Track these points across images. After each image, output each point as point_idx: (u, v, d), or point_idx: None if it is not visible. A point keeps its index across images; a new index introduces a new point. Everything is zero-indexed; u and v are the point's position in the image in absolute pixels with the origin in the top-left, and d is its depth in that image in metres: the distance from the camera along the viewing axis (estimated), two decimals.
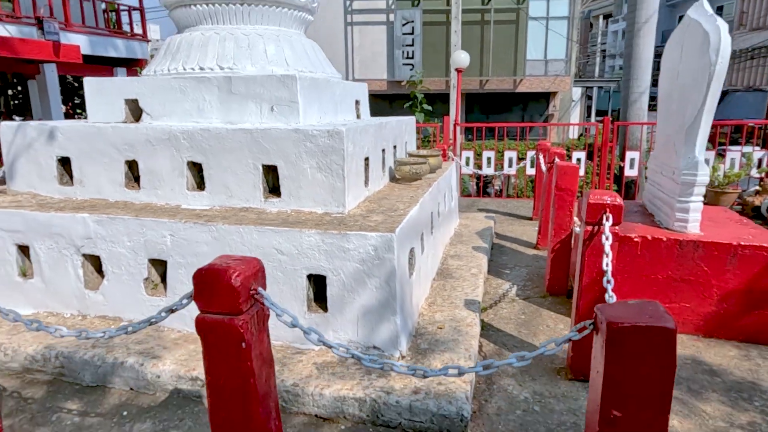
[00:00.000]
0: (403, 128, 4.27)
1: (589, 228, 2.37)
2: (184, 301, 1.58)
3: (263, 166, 2.87)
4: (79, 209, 2.90)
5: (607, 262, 2.17)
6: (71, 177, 3.23)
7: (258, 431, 1.55)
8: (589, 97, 33.95)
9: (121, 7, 8.43)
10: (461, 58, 9.59)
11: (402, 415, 2.17)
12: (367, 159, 3.20)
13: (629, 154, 8.45)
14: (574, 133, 23.50)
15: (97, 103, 3.42)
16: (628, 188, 9.85)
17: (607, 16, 40.02)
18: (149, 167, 3.05)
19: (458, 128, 10.35)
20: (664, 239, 3.00)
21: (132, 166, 3.12)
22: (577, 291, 2.51)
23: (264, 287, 1.55)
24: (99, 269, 2.89)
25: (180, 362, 2.45)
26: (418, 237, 3.03)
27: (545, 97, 23.52)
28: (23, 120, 6.89)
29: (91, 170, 3.15)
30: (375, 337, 2.51)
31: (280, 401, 2.30)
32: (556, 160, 4.32)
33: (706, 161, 6.88)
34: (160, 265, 2.79)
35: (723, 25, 2.81)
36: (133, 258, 2.77)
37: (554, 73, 22.70)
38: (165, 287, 2.78)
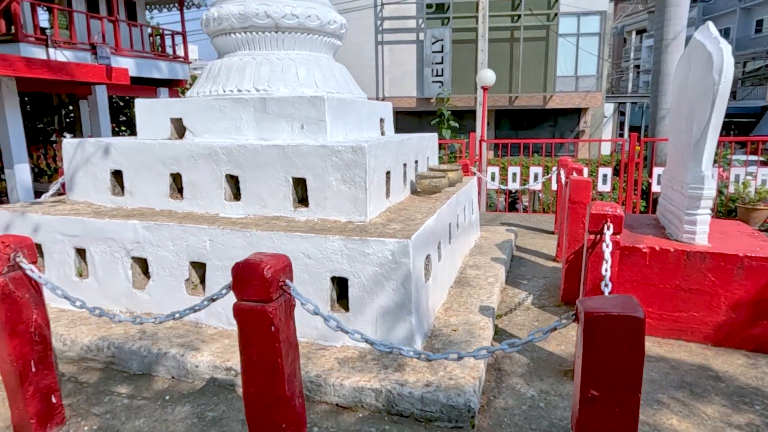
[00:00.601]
0: (424, 144, 4.52)
1: (592, 237, 2.54)
2: (224, 291, 1.84)
3: (293, 178, 3.16)
4: (130, 217, 3.24)
5: (606, 268, 2.34)
6: (122, 188, 3.59)
7: (284, 406, 1.78)
8: (623, 113, 33.50)
9: (165, 32, 9.04)
10: (487, 76, 9.81)
11: (414, 406, 2.37)
12: (388, 173, 3.45)
13: (656, 170, 8.44)
14: (606, 149, 23.31)
15: (146, 121, 3.79)
16: (656, 204, 9.80)
17: (641, 31, 39.60)
18: (191, 179, 3.37)
19: (484, 144, 10.54)
20: (672, 250, 3.13)
21: (176, 178, 3.45)
22: (582, 295, 2.67)
23: (291, 280, 1.80)
24: (146, 271, 3.21)
25: (216, 354, 2.72)
26: (435, 245, 3.24)
27: (576, 113, 23.44)
28: (73, 137, 7.45)
29: (139, 182, 3.51)
30: (392, 336, 2.72)
31: (305, 390, 2.54)
32: (574, 174, 4.48)
33: (737, 177, 6.86)
34: (199, 268, 3.09)
35: (726, 47, 2.97)
36: (176, 261, 3.07)
37: (585, 89, 22.64)
38: (204, 288, 3.08)
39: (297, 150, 3.10)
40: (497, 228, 5.81)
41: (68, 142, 3.67)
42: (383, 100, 22.53)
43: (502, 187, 8.36)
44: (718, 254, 3.06)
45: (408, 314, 2.67)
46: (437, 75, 21.86)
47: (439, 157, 11.46)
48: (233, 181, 3.33)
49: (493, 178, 8.54)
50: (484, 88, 9.83)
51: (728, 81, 2.97)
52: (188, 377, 2.71)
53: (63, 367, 2.90)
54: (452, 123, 12.14)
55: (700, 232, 3.18)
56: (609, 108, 27.36)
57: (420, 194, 3.99)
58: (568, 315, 1.62)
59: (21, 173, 6.47)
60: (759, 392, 2.63)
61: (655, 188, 8.26)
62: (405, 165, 3.88)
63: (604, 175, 7.33)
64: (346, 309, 2.80)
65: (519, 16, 21.35)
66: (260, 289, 1.68)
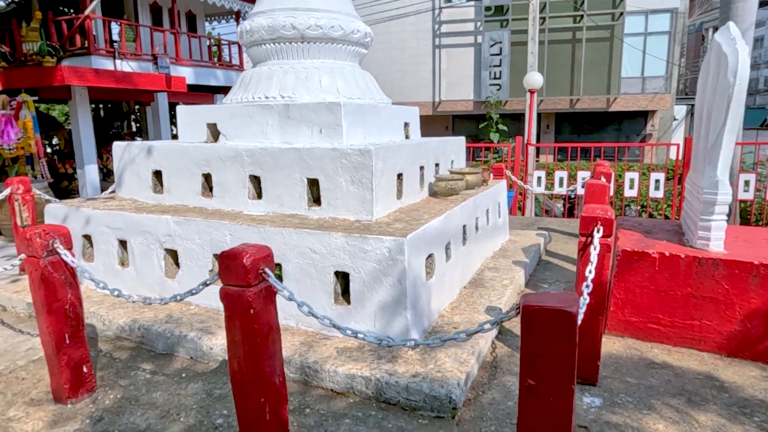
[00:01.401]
0: (447, 147, 4.62)
1: (583, 239, 2.57)
2: (215, 276, 2.07)
3: (308, 179, 3.38)
4: (164, 212, 3.59)
5: (591, 269, 2.37)
6: (162, 186, 3.96)
7: (264, 382, 1.98)
8: None
9: (222, 42, 9.65)
10: (534, 79, 9.69)
11: (400, 394, 2.50)
12: (400, 175, 3.60)
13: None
14: (677, 153, 22.20)
15: (186, 126, 4.15)
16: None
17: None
18: (220, 179, 3.68)
19: (532, 148, 10.39)
20: (683, 256, 3.07)
21: (207, 178, 3.78)
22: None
23: (272, 269, 2.00)
24: (176, 261, 3.54)
25: None
26: (442, 246, 3.35)
27: (642, 116, 22.46)
28: (141, 140, 8.12)
29: (176, 181, 3.86)
30: (389, 329, 2.87)
31: (302, 375, 2.74)
32: (603, 179, 4.42)
33: None
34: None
35: (742, 49, 2.89)
36: (201, 253, 3.37)
37: (653, 91, 21.67)
38: None
39: (311, 153, 3.32)
40: (528, 232, 5.79)
41: (117, 145, 4.10)
42: (440, 104, 22.62)
43: (547, 192, 8.25)
44: (732, 261, 2.97)
45: (404, 309, 2.81)
46: (495, 78, 21.65)
47: (486, 161, 11.43)
48: (256, 181, 3.60)
49: (539, 183, 8.43)
50: (531, 91, 9.72)
51: (743, 83, 2.89)
52: (204, 358, 2.98)
53: (101, 344, 3.27)
54: (501, 126, 12.04)
55: (715, 238, 3.09)
56: (681, 110, 25.91)
57: (437, 196, 4.10)
58: (511, 309, 1.71)
59: (90, 173, 7.19)
60: (764, 404, 2.55)
61: None
62: (422, 168, 4.01)
63: (657, 181, 7.07)
64: (348, 302, 2.98)
65: (581, 16, 20.78)
66: (241, 276, 1.88)
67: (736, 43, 2.92)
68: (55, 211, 3.92)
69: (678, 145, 8.70)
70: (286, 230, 3.05)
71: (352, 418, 2.44)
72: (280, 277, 3.16)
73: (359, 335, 1.90)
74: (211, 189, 3.78)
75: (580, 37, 21.15)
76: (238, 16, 9.30)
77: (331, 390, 2.67)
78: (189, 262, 3.43)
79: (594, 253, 2.44)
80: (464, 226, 3.86)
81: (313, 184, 3.40)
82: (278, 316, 2.05)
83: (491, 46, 22.12)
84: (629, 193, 8.04)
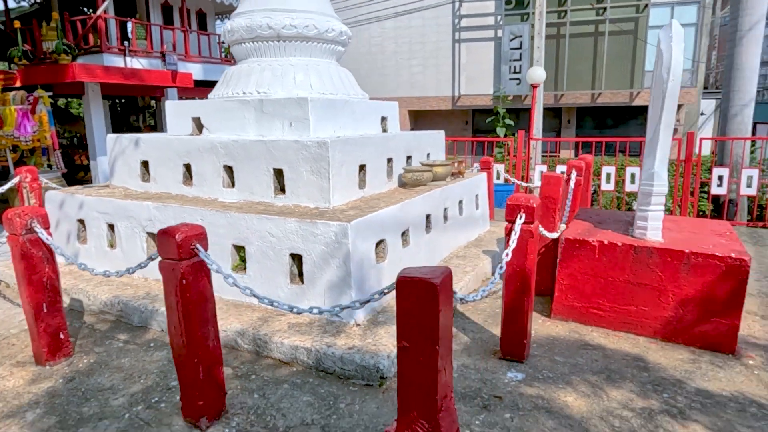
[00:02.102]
0: (422, 140, 4.82)
1: (509, 225, 2.76)
2: (155, 254, 2.35)
3: (274, 169, 3.64)
4: (147, 199, 3.91)
5: (508, 252, 2.57)
6: (149, 175, 4.29)
7: (197, 344, 2.25)
8: None
9: None
10: (537, 74, 9.74)
11: (336, 364, 2.75)
12: (363, 166, 3.83)
13: (716, 171, 8.07)
14: (706, 149, 21.82)
15: (173, 119, 4.47)
16: (728, 207, 9.17)
17: None
18: (198, 169, 3.98)
19: (539, 143, 10.44)
20: (620, 244, 3.22)
21: (188, 168, 4.08)
22: (504, 282, 2.89)
23: (205, 247, 2.27)
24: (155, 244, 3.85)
25: None
26: (397, 232, 3.56)
27: None
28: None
29: (161, 171, 4.18)
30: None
31: (255, 346, 3.02)
32: (574, 173, 4.55)
33: None
34: None
35: (677, 46, 3.01)
36: None
37: None
38: None
39: (276, 145, 3.58)
40: None
41: (110, 137, 4.44)
42: (459, 98, 22.62)
43: (525, 185, 8.27)
44: (664, 250, 3.11)
45: (348, 288, 3.05)
46: (515, 72, 21.53)
47: (495, 156, 11.47)
48: (230, 171, 3.88)
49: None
50: (534, 86, 9.76)
51: (677, 79, 3.02)
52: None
53: (86, 317, 3.62)
54: (507, 121, 12.07)
55: (652, 227, 3.23)
56: (709, 105, 25.26)
57: (406, 187, 4.31)
58: (387, 287, 1.93)
59: (103, 164, 7.66)
60: (677, 383, 2.70)
61: (716, 190, 7.87)
62: (390, 160, 4.23)
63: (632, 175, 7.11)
64: (302, 282, 3.24)
65: (605, 9, 20.48)
66: (174, 251, 2.16)
67: (672, 41, 3.05)
68: (54, 198, 4.30)
69: (680, 139, 8.66)
70: (248, 216, 3.33)
71: (291, 384, 2.70)
72: (243, 259, 3.45)
73: (274, 303, 2.16)
74: (191, 178, 4.08)
75: (603, 30, 20.86)
76: None
77: (279, 360, 2.94)
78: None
79: (514, 237, 2.63)
80: (428, 216, 4.07)
81: (279, 174, 3.66)
82: (232, 293, 2.32)
83: (511, 40, 22.00)
84: (630, 188, 8.08)
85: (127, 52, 7.33)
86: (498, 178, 7.41)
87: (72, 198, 4.19)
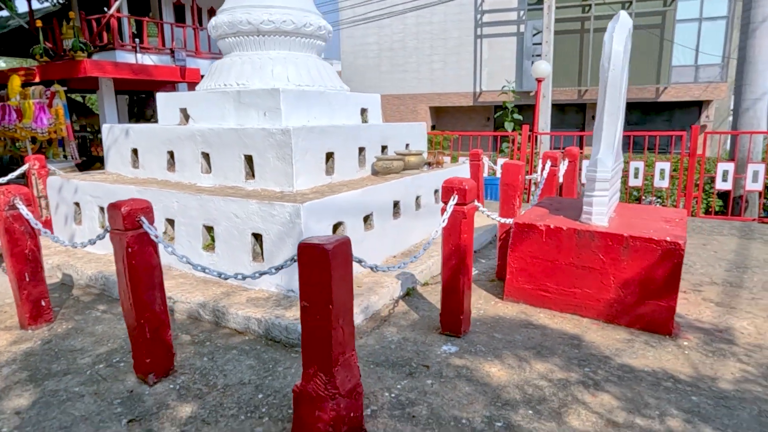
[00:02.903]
0: (400, 132, 4.99)
1: (444, 207, 2.92)
2: (104, 232, 2.60)
3: (244, 156, 3.88)
4: (132, 183, 4.21)
5: (437, 230, 2.73)
6: (138, 162, 4.61)
7: (143, 307, 2.50)
8: None
9: None
10: (542, 68, 9.75)
11: (282, 333, 2.97)
12: (331, 154, 4.03)
13: (721, 166, 7.98)
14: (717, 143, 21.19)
15: (164, 110, 4.77)
16: (734, 202, 9.02)
17: None
18: (180, 156, 4.26)
19: (546, 137, 10.43)
20: (564, 228, 3.34)
21: (171, 155, 4.37)
22: (441, 261, 3.05)
23: (150, 221, 2.51)
24: None
25: (169, 288, 3.54)
26: (358, 215, 3.76)
27: (696, 106, 21.53)
28: None
29: (148, 158, 4.48)
30: (292, 284, 3.34)
31: (214, 317, 3.27)
32: (549, 164, 4.65)
33: None
34: (171, 224, 3.95)
35: (618, 37, 3.11)
36: (158, 216, 3.95)
37: (707, 80, 20.76)
38: (172, 239, 3.93)
39: (245, 132, 3.82)
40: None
41: (104, 127, 4.78)
42: (480, 94, 22.58)
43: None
44: (605, 234, 3.21)
45: None
46: None
47: (502, 150, 11.53)
48: (206, 157, 4.15)
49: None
50: (539, 80, 9.78)
51: (617, 69, 3.12)
52: None
53: (74, 290, 3.94)
54: (515, 116, 12.09)
55: (597, 213, 3.33)
56: None
57: (378, 175, 4.50)
58: (289, 259, 2.13)
59: None
60: (603, 359, 2.82)
61: (720, 185, 7.77)
62: (362, 149, 4.42)
63: (662, 170, 7.14)
64: (263, 260, 3.47)
65: (630, 2, 20.14)
66: (120, 222, 2.41)
67: (614, 32, 3.15)
68: (53, 183, 4.66)
69: (683, 133, 8.56)
70: (216, 198, 3.58)
71: (239, 350, 2.94)
72: (213, 238, 3.70)
73: (206, 270, 2.39)
74: (174, 165, 4.37)
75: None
76: None
77: (234, 329, 3.18)
78: None
79: (445, 216, 2.80)
80: (397, 202, 4.25)
81: (249, 160, 3.91)
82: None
83: (534, 35, 21.86)
84: (633, 182, 8.06)
85: (138, 48, 7.73)
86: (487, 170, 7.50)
87: (68, 183, 4.53)
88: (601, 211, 3.32)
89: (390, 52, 24.27)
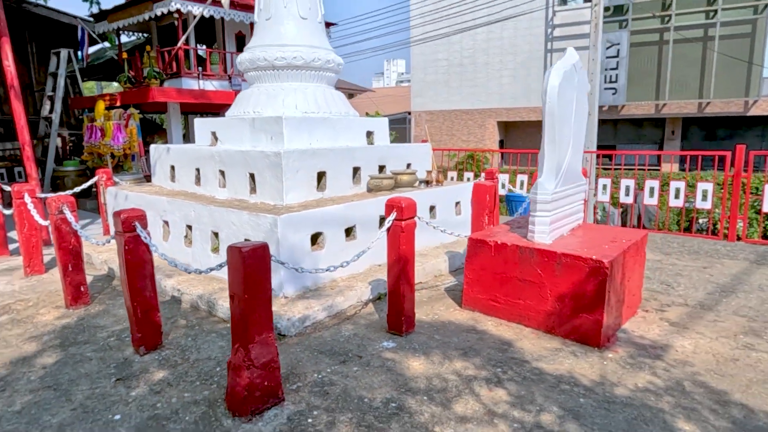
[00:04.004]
0: (402, 152, 5.49)
1: (386, 221, 3.39)
2: (113, 234, 3.35)
3: (249, 173, 4.58)
4: (165, 195, 5.06)
5: (372, 241, 3.21)
6: (175, 176, 5.48)
7: (136, 292, 3.21)
8: None
9: None
10: None
11: None
12: (323, 173, 4.63)
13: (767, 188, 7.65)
14: None
15: (199, 132, 5.63)
16: None
17: None
18: (204, 172, 5.05)
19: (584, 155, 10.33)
20: (509, 245, 3.68)
21: (198, 171, 5.18)
22: (387, 268, 3.51)
23: (144, 226, 3.22)
24: (168, 227, 4.98)
25: (179, 282, 4.29)
26: (339, 227, 4.30)
27: None
28: None
29: (181, 173, 5.33)
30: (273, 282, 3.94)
31: (208, 307, 3.94)
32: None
33: None
34: (190, 229, 4.73)
35: (554, 74, 3.44)
36: (180, 223, 4.76)
37: None
38: (191, 242, 4.71)
39: (249, 154, 4.52)
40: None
41: (152, 146, 5.71)
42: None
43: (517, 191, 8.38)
44: (541, 250, 3.52)
45: (278, 268, 3.86)
46: (611, 81, 20.92)
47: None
48: (222, 174, 4.90)
49: (605, 190, 8.53)
50: None
51: (552, 102, 3.44)
52: (163, 294, 4.34)
53: (114, 281, 4.82)
54: None
55: (539, 231, 3.64)
56: None
57: (371, 192, 5.03)
58: (221, 263, 2.71)
59: None
60: (520, 363, 3.14)
61: (767, 208, 7.46)
62: (357, 168, 4.98)
63: (704, 191, 7.10)
64: None
65: (715, 12, 19.16)
66: (120, 226, 3.15)
67: (553, 66, 3.48)
68: (110, 192, 5.66)
69: (726, 153, 8.28)
70: (220, 208, 4.29)
71: (218, 334, 3.58)
72: (218, 242, 4.41)
73: (195, 270, 3.05)
74: (200, 179, 5.18)
75: (713, 34, 19.55)
76: None
77: (221, 318, 3.84)
78: (174, 229, 4.85)
79: (383, 229, 3.27)
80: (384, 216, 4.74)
81: (253, 177, 4.60)
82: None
83: (608, 48, 21.38)
84: (674, 202, 7.92)
85: (200, 75, 8.86)
86: (503, 188, 7.73)
87: (121, 193, 5.50)
88: (543, 230, 3.62)
89: (459, 68, 24.63)
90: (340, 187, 4.83)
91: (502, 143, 24.75)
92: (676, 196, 8.01)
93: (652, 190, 8.12)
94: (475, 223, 4.32)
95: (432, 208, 5.32)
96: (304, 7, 5.21)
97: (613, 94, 21.77)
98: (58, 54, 10.02)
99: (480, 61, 24.01)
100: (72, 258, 4.05)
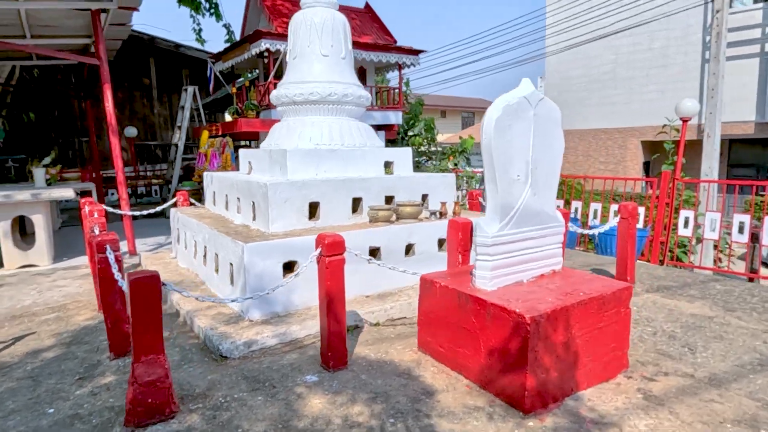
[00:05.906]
0: (411, 183, 5.45)
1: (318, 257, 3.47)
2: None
3: (252, 201, 4.98)
4: (197, 217, 5.70)
5: (296, 274, 3.31)
6: (215, 201, 6.14)
7: (109, 307, 3.75)
8: None
9: (383, 88, 11.70)
10: (687, 106, 8.50)
11: (206, 342, 3.90)
12: (315, 203, 4.83)
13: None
14: None
15: (242, 161, 6.25)
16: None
17: None
18: (230, 198, 5.60)
19: (678, 184, 9.13)
20: (450, 288, 3.48)
21: (226, 197, 5.75)
22: (318, 303, 3.56)
23: (115, 248, 3.75)
24: (196, 246, 5.60)
25: (181, 298, 4.83)
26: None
27: None
28: None
29: (218, 198, 5.97)
30: (243, 305, 4.24)
31: (189, 323, 4.38)
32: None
33: None
34: (206, 249, 5.27)
35: (494, 112, 3.23)
36: (202, 243, 5.34)
37: None
38: (205, 260, 5.24)
39: (251, 183, 4.92)
40: None
41: (205, 174, 6.47)
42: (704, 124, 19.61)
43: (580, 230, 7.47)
44: (474, 298, 3.27)
45: (244, 292, 4.15)
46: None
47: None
48: (238, 201, 5.38)
49: (686, 224, 7.52)
50: (684, 120, 8.53)
51: (489, 138, 3.22)
52: (171, 307, 4.91)
53: None
54: (674, 157, 10.47)
55: (479, 276, 3.38)
56: None
57: (371, 222, 5.07)
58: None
59: None
60: (420, 417, 2.96)
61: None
62: (358, 199, 5.08)
63: (713, 220, 5.96)
64: (232, 284, 4.46)
65: None
66: (95, 249, 3.72)
67: (493, 103, 3.27)
68: (172, 213, 6.54)
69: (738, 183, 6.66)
70: (218, 234, 4.74)
71: (181, 348, 3.97)
72: (217, 263, 4.86)
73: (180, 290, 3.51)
74: (227, 204, 5.74)
75: None
76: (400, 67, 11.24)
77: (195, 335, 4.24)
78: (198, 248, 5.45)
79: (318, 267, 3.36)
80: (378, 248, 4.77)
81: (254, 205, 4.98)
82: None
83: None
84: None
85: None
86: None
87: (175, 214, 6.33)
88: (483, 275, 3.36)
89: (598, 84, 22.99)
90: (337, 216, 4.98)
91: (647, 165, 22.31)
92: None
93: (713, 222, 6.81)
94: (450, 262, 4.12)
95: (441, 240, 5.17)
96: (326, 45, 5.51)
97: None
98: (186, 90, 11.84)
99: (621, 76, 22.07)
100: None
